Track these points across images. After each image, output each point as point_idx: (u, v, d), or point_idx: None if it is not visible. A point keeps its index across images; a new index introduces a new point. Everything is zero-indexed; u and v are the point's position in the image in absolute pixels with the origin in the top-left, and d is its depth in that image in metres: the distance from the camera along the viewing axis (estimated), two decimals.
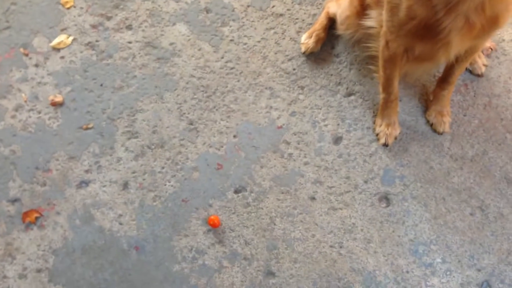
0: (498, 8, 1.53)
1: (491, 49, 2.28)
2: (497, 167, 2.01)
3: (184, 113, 2.15)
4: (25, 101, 2.20)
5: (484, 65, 2.22)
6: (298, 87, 2.21)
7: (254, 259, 1.86)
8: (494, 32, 1.70)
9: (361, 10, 2.05)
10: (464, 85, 2.20)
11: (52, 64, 2.29)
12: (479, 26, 1.55)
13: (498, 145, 2.06)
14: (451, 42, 1.60)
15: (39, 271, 1.87)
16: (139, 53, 2.30)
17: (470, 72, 2.21)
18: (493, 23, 1.59)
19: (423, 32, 1.60)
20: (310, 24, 2.36)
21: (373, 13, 1.95)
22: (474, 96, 2.18)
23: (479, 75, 2.21)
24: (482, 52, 2.25)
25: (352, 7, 2.08)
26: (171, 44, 2.33)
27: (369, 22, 1.97)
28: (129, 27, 2.37)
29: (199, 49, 2.32)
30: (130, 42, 2.33)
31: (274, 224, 1.92)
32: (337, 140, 2.09)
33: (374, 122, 2.11)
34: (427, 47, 1.70)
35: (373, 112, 2.14)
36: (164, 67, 2.27)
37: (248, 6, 2.44)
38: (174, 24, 2.38)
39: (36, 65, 2.29)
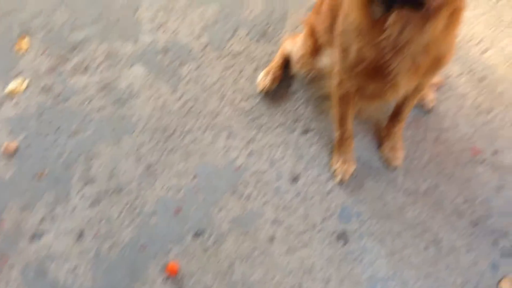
0: (441, 49, 1.61)
1: (439, 84, 2.37)
2: (448, 201, 2.08)
3: (142, 156, 2.16)
4: None
5: (433, 100, 2.30)
6: (256, 125, 2.25)
7: None
8: (439, 71, 1.77)
9: (315, 49, 2.11)
10: (414, 120, 2.28)
11: (6, 111, 2.27)
12: (425, 66, 1.63)
13: (448, 179, 2.13)
14: (399, 82, 1.67)
15: None
16: (96, 96, 2.30)
17: (420, 107, 2.29)
18: (437, 63, 1.67)
19: (373, 73, 1.66)
20: (267, 62, 2.41)
21: (326, 52, 2.01)
22: (425, 131, 2.25)
23: (428, 110, 2.30)
24: (431, 87, 2.34)
25: (306, 46, 2.14)
26: (128, 86, 2.34)
27: (322, 62, 2.03)
28: (86, 70, 2.37)
29: (157, 90, 2.33)
30: (86, 85, 2.33)
31: (234, 268, 1.93)
32: (295, 178, 2.12)
33: (330, 160, 2.15)
34: (378, 87, 1.76)
35: (330, 149, 2.19)
36: (121, 110, 2.27)
37: (206, 45, 2.47)
38: (131, 65, 2.40)
39: None
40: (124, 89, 2.33)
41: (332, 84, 1.96)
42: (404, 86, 1.72)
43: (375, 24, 1.50)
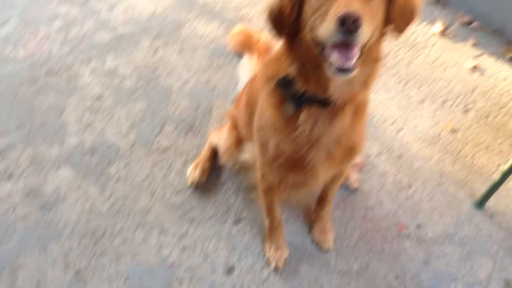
0: (352, 140, 1.72)
1: (361, 164, 2.50)
2: (380, 278, 2.13)
3: (71, 263, 2.09)
4: None
5: (356, 180, 2.42)
6: (188, 219, 2.25)
7: None
8: (353, 159, 1.89)
9: (239, 142, 2.19)
10: (341, 200, 2.37)
11: None
12: (339, 156, 1.73)
13: (378, 256, 2.19)
14: (317, 172, 1.75)
15: None
16: (20, 203, 2.25)
17: (345, 187, 2.40)
18: (351, 151, 1.77)
19: (292, 166, 1.75)
20: (196, 155, 2.47)
21: (247, 146, 2.09)
22: (352, 210, 2.34)
23: (353, 190, 2.40)
24: (354, 168, 2.46)
25: (231, 139, 2.22)
26: (55, 190, 2.30)
27: (245, 155, 2.11)
28: (9, 177, 2.33)
29: (85, 192, 2.31)
30: (10, 193, 2.28)
31: None
32: (229, 270, 2.11)
33: (263, 248, 2.17)
34: (299, 177, 1.84)
35: (263, 237, 2.21)
36: (48, 215, 2.22)
37: (134, 143, 2.51)
38: (58, 168, 2.38)
39: None
40: (50, 193, 2.29)
41: (256, 177, 2.02)
42: (323, 175, 1.81)
43: (289, 121, 1.61)
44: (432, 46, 3.13)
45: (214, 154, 2.42)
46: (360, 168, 2.49)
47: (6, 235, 2.14)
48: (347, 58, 1.32)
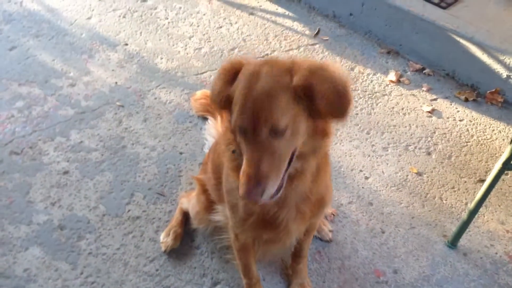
0: (320, 192, 1.76)
1: (333, 214, 2.52)
2: None
3: None
4: None
5: (330, 231, 2.43)
6: None
7: None
8: (323, 211, 1.91)
9: (209, 205, 2.19)
10: (317, 252, 2.36)
11: None
12: (309, 211, 1.76)
13: None
14: (289, 228, 1.78)
15: None
16: None
17: (320, 239, 2.40)
18: (320, 205, 1.81)
19: (264, 224, 1.77)
20: (167, 221, 2.45)
21: (219, 208, 2.10)
22: (328, 261, 2.34)
23: (328, 241, 2.41)
24: (326, 218, 2.48)
25: (201, 203, 2.22)
26: (25, 270, 2.24)
27: (217, 217, 2.11)
28: None
29: (56, 270, 2.25)
30: None
31: None
32: None
33: None
34: (272, 235, 1.85)
35: None
36: None
37: (104, 215, 2.48)
38: (26, 248, 2.32)
39: None
40: (20, 274, 2.22)
41: (230, 237, 2.02)
42: (295, 231, 1.85)
43: None
44: (390, 93, 3.26)
45: (186, 218, 2.42)
46: (333, 218, 2.51)
47: None
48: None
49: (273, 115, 1.37)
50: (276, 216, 1.72)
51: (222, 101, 1.50)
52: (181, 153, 2.81)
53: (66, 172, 2.66)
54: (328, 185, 1.84)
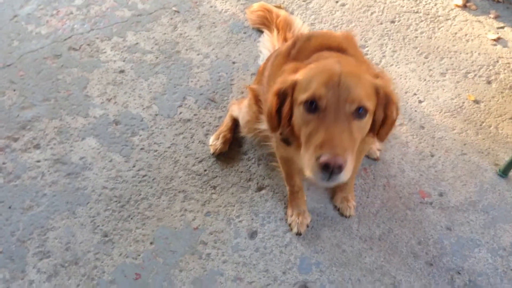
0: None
1: None
2: (403, 243, 2.13)
3: (98, 226, 2.13)
4: None
5: (378, 149, 2.42)
6: (211, 187, 2.28)
7: None
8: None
9: (260, 115, 2.20)
10: (364, 169, 2.37)
11: None
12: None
13: (401, 222, 2.20)
14: None
15: None
16: (48, 171, 2.30)
17: (367, 157, 2.40)
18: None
19: None
20: (217, 126, 2.49)
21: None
22: (374, 178, 2.35)
23: (375, 159, 2.40)
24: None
25: (251, 113, 2.23)
26: (81, 158, 2.35)
27: (263, 126, 2.12)
28: (37, 146, 2.38)
29: (110, 161, 2.35)
30: (38, 161, 2.33)
31: None
32: (252, 234, 2.14)
33: (285, 213, 2.19)
34: None
35: (284, 204, 2.23)
36: (75, 182, 2.27)
37: (156, 114, 2.54)
38: (83, 139, 2.42)
39: None
40: (76, 162, 2.33)
41: (274, 146, 2.04)
42: None
43: None
44: (454, 18, 3.11)
45: (235, 124, 2.44)
46: None
47: (35, 199, 2.20)
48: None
49: (361, 95, 1.45)
50: None
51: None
52: (233, 63, 2.81)
53: (122, 71, 2.71)
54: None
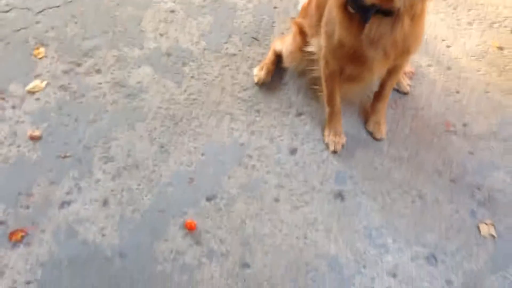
0: (408, 42, 2.00)
1: (412, 73, 2.71)
2: (429, 164, 2.36)
3: (155, 138, 2.39)
4: (5, 138, 2.37)
5: (408, 85, 2.63)
6: (255, 111, 2.52)
7: (229, 254, 2.05)
8: (407, 58, 2.20)
9: (303, 45, 2.43)
10: (394, 101, 2.59)
11: (28, 105, 2.49)
12: (393, 56, 2.03)
13: (427, 147, 2.42)
14: (373, 67, 2.07)
15: (28, 283, 1.96)
16: (109, 92, 2.56)
17: (397, 91, 2.62)
18: (405, 53, 2.08)
19: (352, 57, 2.06)
20: (260, 61, 2.72)
21: (313, 41, 2.34)
22: (403, 109, 2.57)
23: (405, 93, 2.62)
24: (406, 75, 2.67)
25: (296, 43, 2.47)
26: (138, 82, 2.61)
27: (311, 49, 2.36)
28: (98, 71, 2.64)
29: (164, 86, 2.60)
30: (100, 83, 2.59)
31: (245, 224, 2.14)
32: (293, 151, 2.38)
33: (323, 134, 2.43)
34: (355, 70, 2.17)
35: (321, 128, 2.46)
36: (133, 102, 2.53)
37: (205, 49, 2.78)
38: (139, 66, 2.67)
39: (13, 107, 2.49)
40: (134, 85, 2.59)
41: (320, 65, 2.28)
42: (377, 70, 2.13)
43: (352, 19, 1.91)
44: None
45: (277, 59, 2.67)
46: (411, 76, 2.70)
47: (98, 114, 2.46)
48: None
49: None
50: (364, 53, 1.98)
51: None
52: (275, 7, 3.03)
53: (172, 11, 2.95)
54: (418, 37, 2.07)
